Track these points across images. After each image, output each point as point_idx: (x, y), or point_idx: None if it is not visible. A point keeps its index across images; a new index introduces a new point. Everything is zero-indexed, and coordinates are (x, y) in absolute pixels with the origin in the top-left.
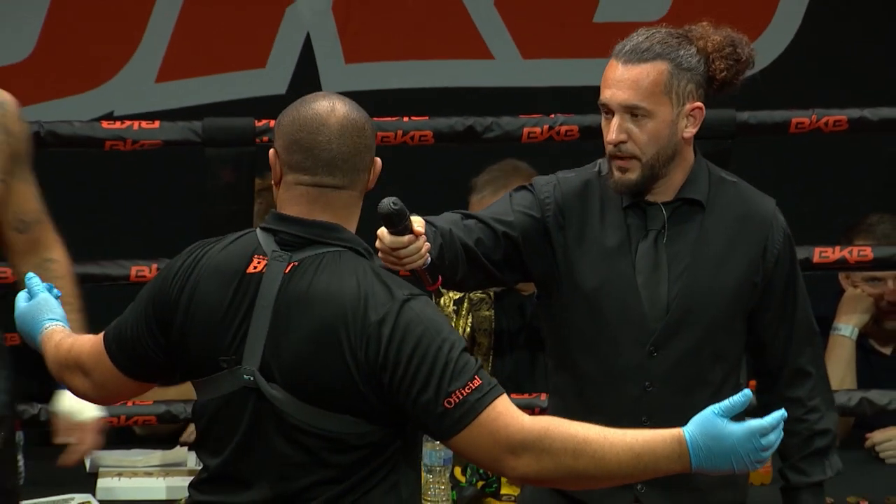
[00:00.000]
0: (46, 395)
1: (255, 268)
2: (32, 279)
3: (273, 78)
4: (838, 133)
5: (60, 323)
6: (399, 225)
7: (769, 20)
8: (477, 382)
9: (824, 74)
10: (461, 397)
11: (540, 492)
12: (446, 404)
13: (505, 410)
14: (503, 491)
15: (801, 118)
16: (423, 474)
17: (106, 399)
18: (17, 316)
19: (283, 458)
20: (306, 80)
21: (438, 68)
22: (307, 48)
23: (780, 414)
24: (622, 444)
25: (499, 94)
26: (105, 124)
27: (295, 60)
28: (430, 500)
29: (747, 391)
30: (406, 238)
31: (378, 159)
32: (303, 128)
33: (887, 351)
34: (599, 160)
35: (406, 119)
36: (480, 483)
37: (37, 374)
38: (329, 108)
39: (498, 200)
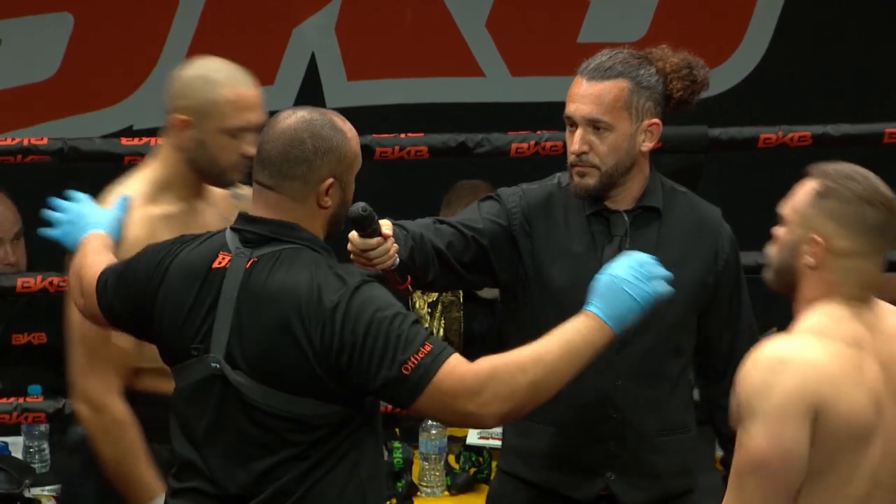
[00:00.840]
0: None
1: (220, 263)
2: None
3: (281, 94)
4: (803, 148)
5: (103, 230)
6: (368, 228)
7: (739, 41)
8: (428, 347)
9: (791, 92)
10: (416, 362)
11: (509, 483)
12: (403, 371)
13: (457, 365)
14: (493, 476)
15: (769, 134)
16: (420, 461)
17: (95, 321)
18: (64, 214)
19: (249, 440)
20: (311, 95)
21: (433, 85)
22: (312, 66)
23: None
24: (551, 342)
25: (489, 110)
26: (124, 141)
27: (301, 78)
28: (425, 486)
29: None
30: (375, 240)
31: (331, 179)
32: (266, 125)
33: None
34: (558, 174)
35: (403, 136)
36: (473, 469)
37: (62, 370)
38: (287, 115)
39: (468, 209)
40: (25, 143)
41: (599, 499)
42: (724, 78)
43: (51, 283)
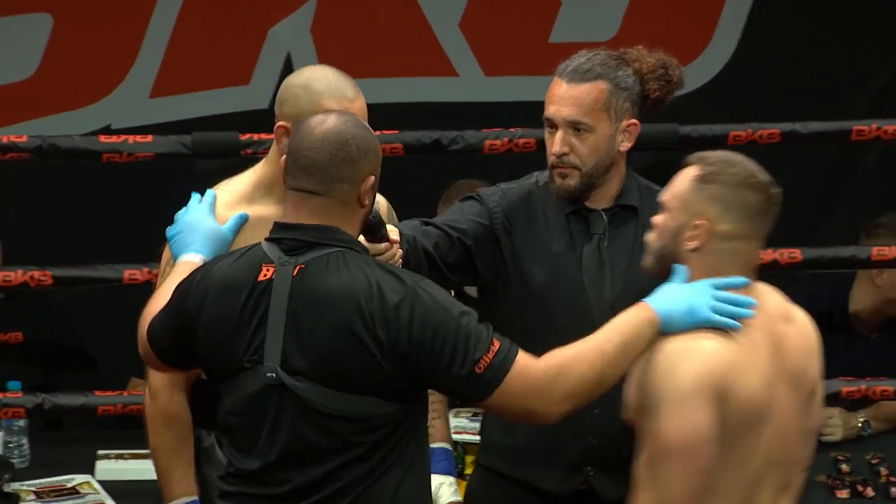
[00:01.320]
0: (52, 386)
1: (265, 275)
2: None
3: (256, 95)
4: (772, 145)
5: (199, 255)
6: (377, 233)
7: (708, 40)
8: (497, 344)
9: (760, 90)
10: (488, 361)
11: (488, 478)
12: (476, 370)
13: (527, 364)
14: (466, 471)
15: (739, 132)
16: None
17: (156, 367)
18: (178, 224)
19: (309, 445)
20: None
21: (408, 85)
22: (287, 67)
23: (737, 280)
24: (611, 335)
25: (462, 109)
26: (102, 138)
27: (276, 78)
28: None
29: (678, 266)
30: (383, 246)
31: (373, 177)
32: (296, 135)
33: (872, 335)
34: (535, 173)
35: (377, 133)
36: None
37: (42, 365)
38: (321, 120)
39: (450, 210)
40: (5, 140)
41: (579, 493)
42: (693, 77)
43: (31, 277)
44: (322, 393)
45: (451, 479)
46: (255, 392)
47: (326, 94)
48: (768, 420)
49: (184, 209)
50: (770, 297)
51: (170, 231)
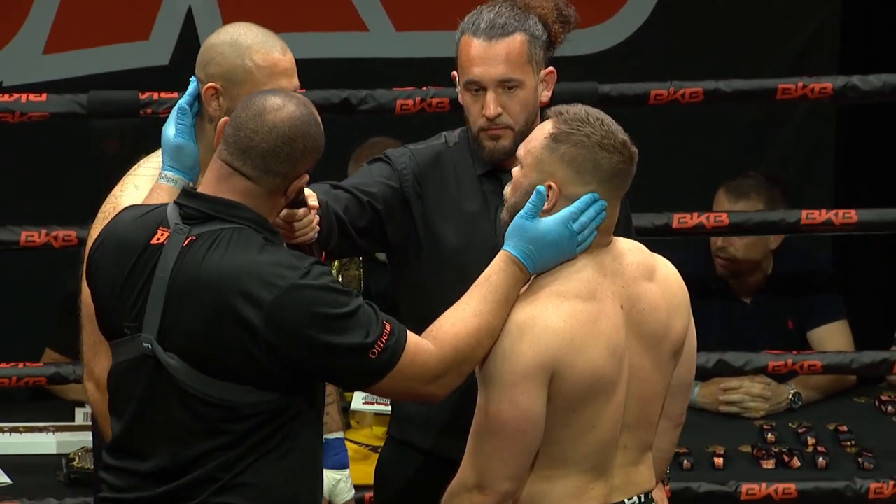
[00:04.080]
0: None
1: (158, 239)
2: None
3: (156, 50)
4: (695, 104)
5: (172, 182)
6: (296, 198)
7: None
8: (388, 327)
9: (682, 46)
10: (382, 345)
11: (400, 450)
12: (370, 355)
13: (418, 349)
14: (374, 443)
15: (660, 90)
16: None
17: None
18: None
19: (178, 425)
20: (188, 51)
21: (314, 40)
22: (189, 21)
23: (587, 197)
24: (488, 301)
25: (372, 65)
26: None
27: (177, 33)
28: None
29: (539, 188)
30: (301, 211)
31: (306, 176)
32: (247, 108)
33: (747, 300)
34: (444, 133)
35: None
36: None
37: None
38: (278, 105)
39: (359, 172)
40: None
41: None
42: (612, 33)
43: None
44: (192, 375)
45: (346, 473)
46: (133, 360)
47: (255, 47)
48: (613, 388)
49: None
50: (631, 256)
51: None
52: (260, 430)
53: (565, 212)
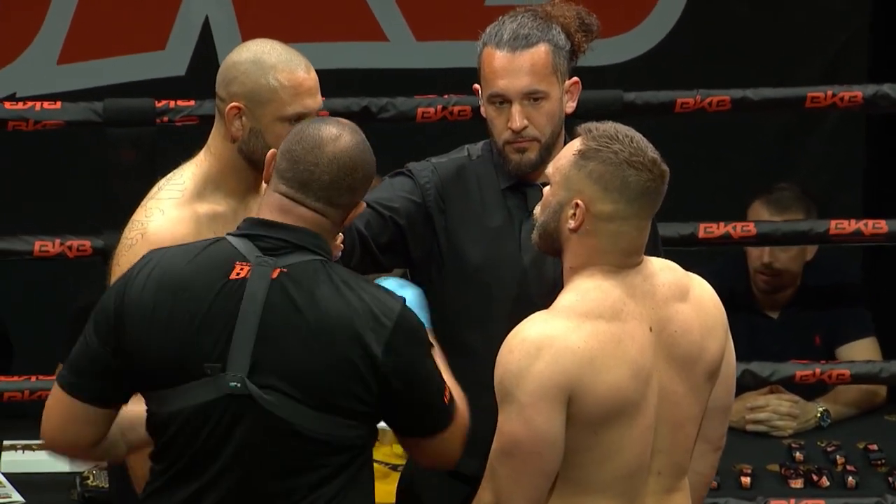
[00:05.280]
0: None
1: (238, 274)
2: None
3: (172, 60)
4: (722, 113)
5: None
6: None
7: (654, 2)
8: (448, 385)
9: (709, 55)
10: (448, 397)
11: (421, 472)
12: (444, 398)
13: (463, 411)
14: (396, 462)
15: (686, 98)
16: None
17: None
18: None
19: (269, 462)
20: (205, 62)
21: (334, 50)
22: (206, 30)
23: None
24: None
25: (393, 76)
26: (7, 105)
27: (194, 43)
28: None
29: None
30: None
31: (363, 204)
32: (301, 141)
33: (774, 315)
34: (466, 146)
35: None
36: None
37: None
38: (334, 135)
39: (380, 186)
40: None
41: None
42: (638, 41)
43: None
44: (293, 407)
45: None
46: (209, 402)
47: (280, 66)
48: (637, 411)
49: None
50: (663, 276)
51: None
52: (350, 465)
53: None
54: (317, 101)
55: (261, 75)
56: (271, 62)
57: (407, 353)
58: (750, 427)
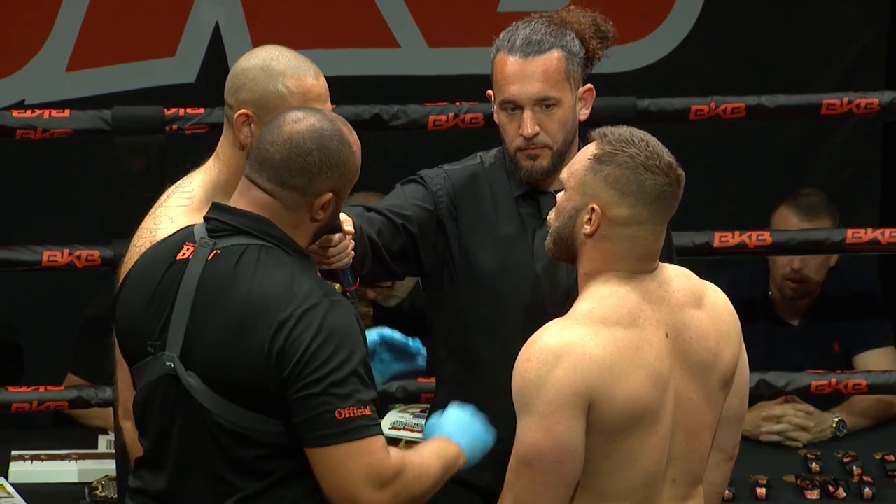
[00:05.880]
0: None
1: (184, 254)
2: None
3: (182, 67)
4: (737, 120)
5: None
6: (329, 223)
7: (669, 9)
8: (369, 412)
9: (723, 63)
10: (352, 414)
11: None
12: (337, 414)
13: (378, 449)
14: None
15: (701, 105)
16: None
17: None
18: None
19: (200, 448)
20: (215, 68)
21: (345, 57)
22: (216, 37)
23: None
24: (436, 458)
25: (404, 83)
26: (15, 113)
27: (204, 49)
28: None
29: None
30: (336, 236)
31: (330, 194)
32: (269, 123)
33: (795, 322)
34: (479, 153)
35: None
36: None
37: None
38: (296, 118)
39: (391, 193)
40: None
41: None
42: (653, 48)
43: None
44: (209, 395)
45: None
46: (156, 380)
47: (288, 72)
48: (656, 418)
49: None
50: (678, 282)
51: None
52: (277, 460)
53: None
54: (326, 107)
55: (269, 82)
56: (280, 68)
57: (296, 342)
58: (764, 437)
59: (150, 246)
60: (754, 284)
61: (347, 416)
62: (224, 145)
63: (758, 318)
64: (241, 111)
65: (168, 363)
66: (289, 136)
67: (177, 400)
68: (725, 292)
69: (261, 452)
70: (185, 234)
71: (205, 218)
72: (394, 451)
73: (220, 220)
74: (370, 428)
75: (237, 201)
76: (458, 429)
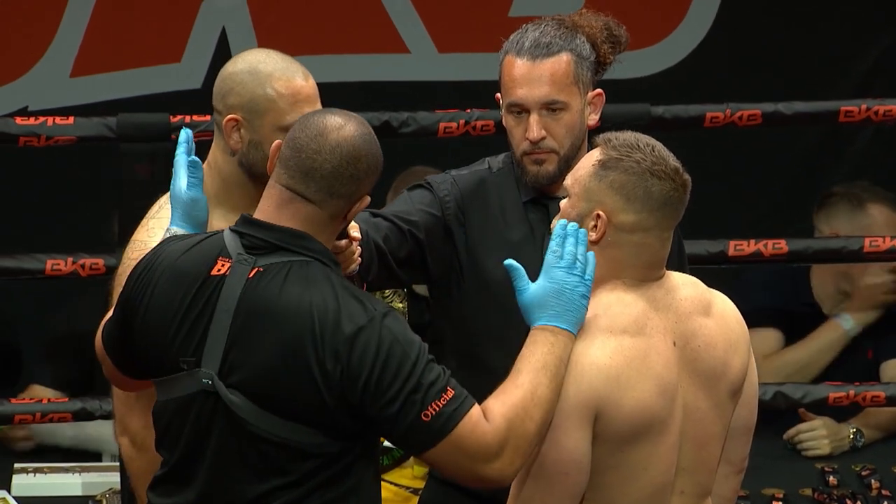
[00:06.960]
0: None
1: (219, 270)
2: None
3: (188, 72)
4: (753, 127)
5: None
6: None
7: (683, 14)
8: (451, 393)
9: (739, 69)
10: (437, 409)
11: (442, 491)
12: (423, 417)
13: (478, 421)
14: (415, 485)
15: (716, 112)
16: None
17: (121, 385)
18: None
19: (238, 463)
20: None
21: (354, 62)
22: (222, 42)
23: (557, 227)
24: (541, 374)
25: (414, 88)
26: (19, 120)
27: (210, 55)
28: None
29: (510, 263)
30: (343, 242)
31: (368, 198)
32: (306, 129)
33: None
34: (487, 158)
35: None
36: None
37: None
38: (339, 124)
39: (398, 199)
40: None
41: None
42: (667, 54)
43: None
44: (256, 411)
45: None
46: (188, 396)
47: (277, 74)
48: (664, 428)
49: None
50: (685, 290)
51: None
52: (322, 472)
53: (548, 258)
54: (315, 108)
55: (257, 85)
56: (268, 71)
57: (360, 362)
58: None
59: (169, 253)
60: (797, 293)
61: (433, 413)
62: (215, 153)
63: (803, 323)
64: (230, 116)
65: (205, 380)
66: (338, 145)
67: (213, 416)
68: (764, 303)
69: (309, 465)
70: (214, 247)
71: (236, 232)
72: (490, 411)
73: (256, 236)
74: (457, 410)
75: (276, 215)
76: (550, 305)
